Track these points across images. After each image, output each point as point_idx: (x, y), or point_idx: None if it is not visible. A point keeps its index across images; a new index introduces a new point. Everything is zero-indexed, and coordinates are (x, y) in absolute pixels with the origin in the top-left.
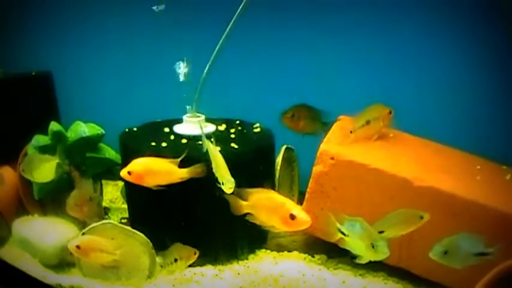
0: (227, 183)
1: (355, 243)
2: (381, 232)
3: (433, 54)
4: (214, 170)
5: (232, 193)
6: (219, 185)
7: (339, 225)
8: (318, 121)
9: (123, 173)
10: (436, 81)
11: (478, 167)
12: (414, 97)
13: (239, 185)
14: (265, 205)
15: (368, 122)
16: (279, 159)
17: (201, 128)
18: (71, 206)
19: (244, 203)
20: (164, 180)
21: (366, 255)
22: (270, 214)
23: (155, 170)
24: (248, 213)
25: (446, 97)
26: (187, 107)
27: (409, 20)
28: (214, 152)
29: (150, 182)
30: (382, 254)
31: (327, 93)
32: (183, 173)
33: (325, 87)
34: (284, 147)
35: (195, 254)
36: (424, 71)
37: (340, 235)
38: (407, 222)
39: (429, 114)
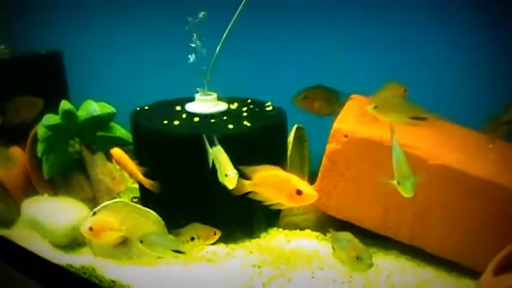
0: (230, 173)
1: None
2: None
3: (443, 33)
4: (218, 170)
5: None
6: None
7: None
8: (334, 102)
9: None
10: (446, 60)
11: (490, 145)
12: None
13: (252, 162)
14: (270, 182)
15: None
16: (290, 139)
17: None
18: None
19: (246, 182)
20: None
21: None
22: (275, 191)
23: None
24: (250, 192)
25: (456, 76)
26: (198, 89)
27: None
28: (216, 150)
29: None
30: None
31: (336, 72)
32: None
33: (335, 67)
34: (295, 126)
35: (215, 234)
36: (432, 50)
37: None
38: None
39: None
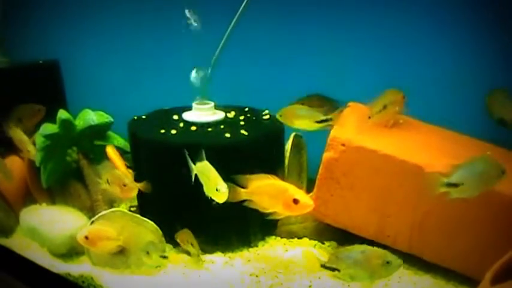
0: (222, 188)
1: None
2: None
3: (442, 39)
4: (204, 184)
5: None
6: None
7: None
8: (331, 111)
9: None
10: (442, 67)
11: (488, 152)
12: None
13: (249, 171)
14: (266, 191)
15: (385, 107)
16: (288, 147)
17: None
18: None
19: (242, 190)
20: None
21: None
22: (271, 200)
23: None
24: (245, 200)
25: (452, 84)
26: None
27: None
28: (203, 165)
29: None
30: None
31: (335, 81)
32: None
33: (333, 75)
34: (293, 134)
35: None
36: (428, 56)
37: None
38: None
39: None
